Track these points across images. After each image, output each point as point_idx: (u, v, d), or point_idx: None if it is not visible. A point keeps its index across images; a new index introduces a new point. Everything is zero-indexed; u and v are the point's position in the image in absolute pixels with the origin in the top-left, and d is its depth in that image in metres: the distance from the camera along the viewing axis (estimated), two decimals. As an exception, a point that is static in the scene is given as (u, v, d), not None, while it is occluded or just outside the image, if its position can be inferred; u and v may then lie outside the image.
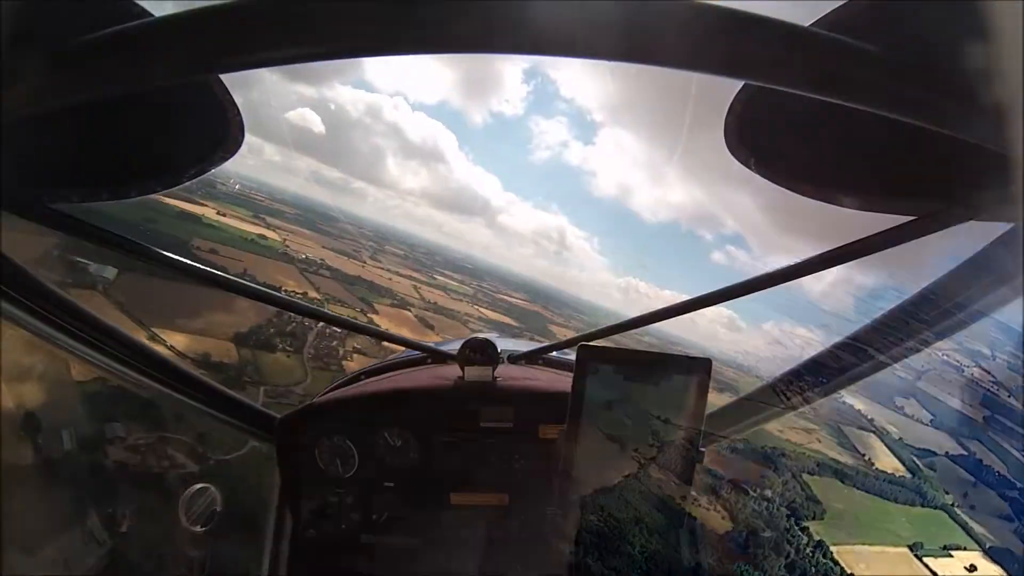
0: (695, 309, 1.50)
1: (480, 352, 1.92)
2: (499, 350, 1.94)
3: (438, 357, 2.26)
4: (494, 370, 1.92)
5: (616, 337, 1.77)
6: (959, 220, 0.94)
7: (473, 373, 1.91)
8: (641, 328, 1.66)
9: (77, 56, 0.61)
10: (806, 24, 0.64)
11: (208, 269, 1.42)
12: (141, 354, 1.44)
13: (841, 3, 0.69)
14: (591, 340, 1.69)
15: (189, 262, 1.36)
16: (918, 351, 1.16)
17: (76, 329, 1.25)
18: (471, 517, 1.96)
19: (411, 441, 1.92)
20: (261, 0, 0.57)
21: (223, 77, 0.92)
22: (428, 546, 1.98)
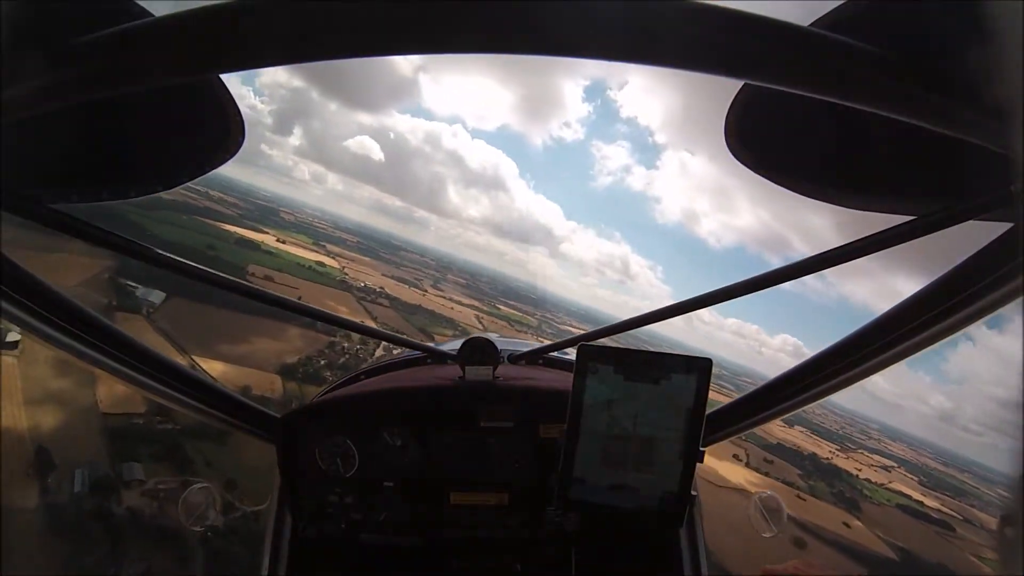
0: (695, 309, 1.50)
1: (480, 352, 1.92)
2: (499, 350, 1.94)
3: (438, 357, 2.26)
4: (494, 370, 1.92)
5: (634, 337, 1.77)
6: (959, 220, 0.94)
7: (473, 373, 1.91)
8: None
9: (77, 56, 0.61)
10: (806, 24, 0.64)
11: (208, 269, 1.41)
12: (141, 354, 1.44)
13: (841, 3, 0.69)
14: (591, 340, 1.69)
15: (189, 262, 1.35)
16: (917, 352, 1.16)
17: (76, 329, 1.25)
18: (471, 517, 1.96)
19: (411, 441, 1.92)
20: (261, 0, 0.57)
21: (223, 77, 0.92)
22: (428, 546, 1.98)
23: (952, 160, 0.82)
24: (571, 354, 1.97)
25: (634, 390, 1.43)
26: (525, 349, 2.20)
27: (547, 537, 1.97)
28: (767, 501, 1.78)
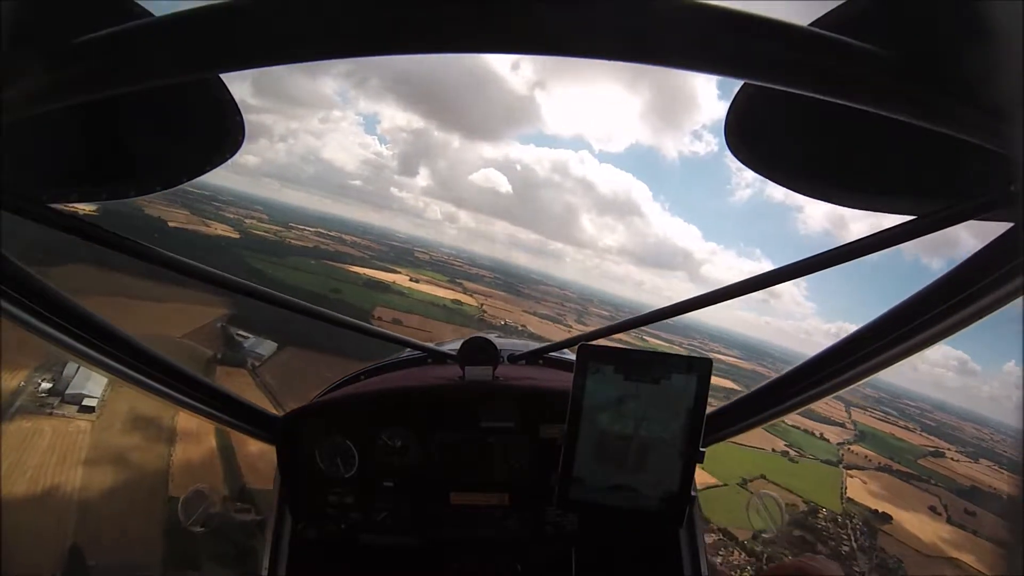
0: (695, 308, 1.50)
1: (480, 351, 1.92)
2: (499, 350, 1.94)
3: (438, 357, 2.26)
4: (494, 370, 1.92)
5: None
6: (959, 220, 0.94)
7: (473, 373, 1.91)
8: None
9: (77, 56, 0.61)
10: (806, 24, 0.64)
11: (211, 270, 1.41)
12: (141, 354, 1.44)
13: (841, 3, 0.69)
14: (591, 340, 1.69)
15: (191, 262, 1.35)
16: (917, 352, 1.16)
17: (76, 329, 1.25)
18: (471, 517, 1.96)
19: (411, 441, 1.92)
20: (261, 0, 0.57)
21: (223, 77, 0.92)
22: (428, 546, 1.98)
23: (952, 160, 0.82)
24: (571, 354, 1.97)
25: (634, 390, 1.43)
26: (525, 349, 2.20)
27: (547, 537, 1.97)
28: (765, 500, 1.80)
